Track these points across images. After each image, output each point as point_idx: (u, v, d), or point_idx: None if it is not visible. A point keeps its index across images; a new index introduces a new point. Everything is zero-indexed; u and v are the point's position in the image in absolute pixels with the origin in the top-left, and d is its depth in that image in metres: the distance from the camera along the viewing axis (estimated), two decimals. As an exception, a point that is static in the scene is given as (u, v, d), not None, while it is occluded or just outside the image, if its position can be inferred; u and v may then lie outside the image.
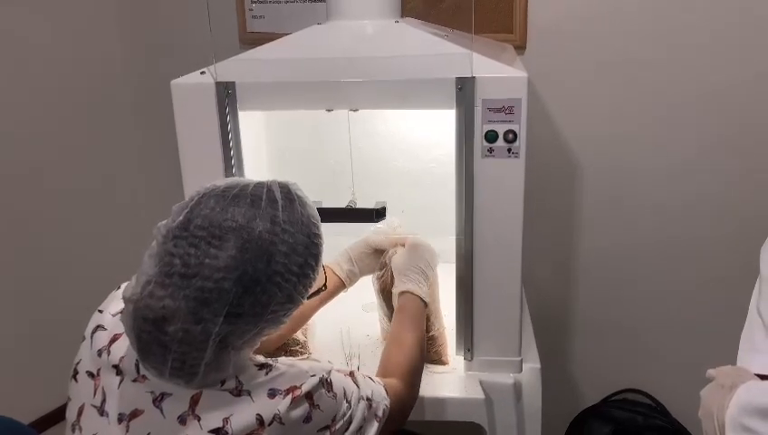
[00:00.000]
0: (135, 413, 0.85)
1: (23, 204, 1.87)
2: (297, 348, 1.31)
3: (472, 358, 1.29)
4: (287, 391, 0.85)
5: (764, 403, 0.78)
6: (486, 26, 1.78)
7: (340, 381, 0.92)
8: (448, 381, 1.27)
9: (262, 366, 0.87)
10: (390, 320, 1.34)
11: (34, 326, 1.92)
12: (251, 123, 1.35)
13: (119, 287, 0.97)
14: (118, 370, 0.87)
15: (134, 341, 0.81)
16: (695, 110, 1.79)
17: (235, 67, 1.23)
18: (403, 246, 1.32)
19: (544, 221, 1.92)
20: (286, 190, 0.89)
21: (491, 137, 1.15)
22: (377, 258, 1.34)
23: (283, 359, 0.91)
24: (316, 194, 1.29)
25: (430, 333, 1.29)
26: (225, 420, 0.82)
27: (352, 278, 1.34)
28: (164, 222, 0.85)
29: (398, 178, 1.55)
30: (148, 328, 0.79)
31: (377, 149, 1.53)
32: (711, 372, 0.89)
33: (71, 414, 0.91)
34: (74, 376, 0.92)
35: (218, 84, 1.20)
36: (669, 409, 1.97)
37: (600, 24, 1.78)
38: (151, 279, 0.80)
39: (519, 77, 1.14)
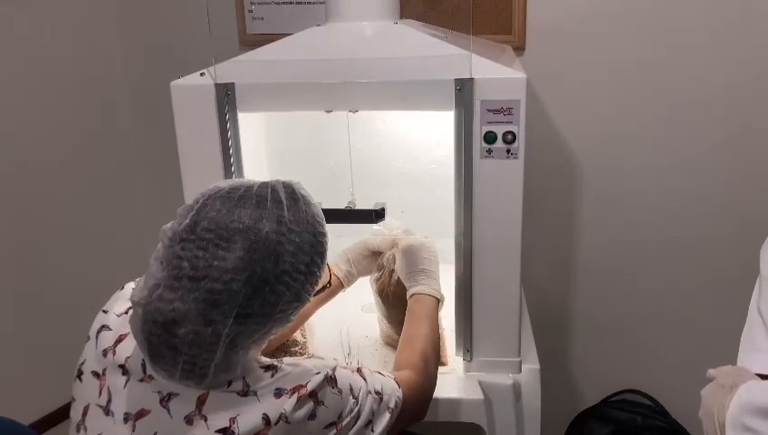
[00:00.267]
0: (141, 413, 0.85)
1: (22, 204, 1.87)
2: (296, 349, 1.31)
3: (471, 359, 1.29)
4: (293, 391, 0.85)
5: (765, 403, 0.78)
6: (485, 27, 1.78)
7: (345, 377, 0.92)
8: (448, 382, 1.27)
9: (268, 368, 0.87)
10: (389, 322, 1.35)
11: (35, 327, 1.92)
12: (250, 124, 1.35)
13: (122, 288, 0.97)
14: (124, 369, 0.87)
15: (144, 344, 0.82)
16: (694, 110, 1.79)
17: (235, 68, 1.23)
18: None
19: (544, 222, 1.93)
20: (290, 190, 0.89)
21: (490, 138, 1.15)
22: (375, 260, 1.35)
23: (287, 359, 0.91)
24: (316, 195, 1.28)
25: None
26: (232, 419, 0.82)
27: (350, 279, 1.35)
28: (169, 225, 0.85)
29: (397, 179, 1.55)
30: (158, 331, 0.80)
31: (376, 151, 1.53)
32: (711, 371, 0.89)
33: (75, 414, 0.91)
34: (79, 376, 0.92)
35: (218, 86, 1.20)
36: (669, 409, 1.97)
37: (600, 25, 1.78)
38: (160, 283, 0.80)
39: (518, 78, 1.14)
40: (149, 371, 0.85)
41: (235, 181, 0.89)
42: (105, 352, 0.89)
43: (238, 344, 0.83)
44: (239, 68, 1.24)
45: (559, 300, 2.03)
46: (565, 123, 1.88)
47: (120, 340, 0.89)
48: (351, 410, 0.90)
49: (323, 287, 1.04)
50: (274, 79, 1.22)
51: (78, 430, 0.90)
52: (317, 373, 0.88)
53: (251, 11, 1.93)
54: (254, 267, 0.81)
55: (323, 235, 0.91)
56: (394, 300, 1.31)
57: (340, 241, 1.37)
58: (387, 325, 1.37)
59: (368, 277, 1.37)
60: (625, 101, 1.82)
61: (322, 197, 1.28)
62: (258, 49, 1.29)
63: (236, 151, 1.25)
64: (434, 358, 1.16)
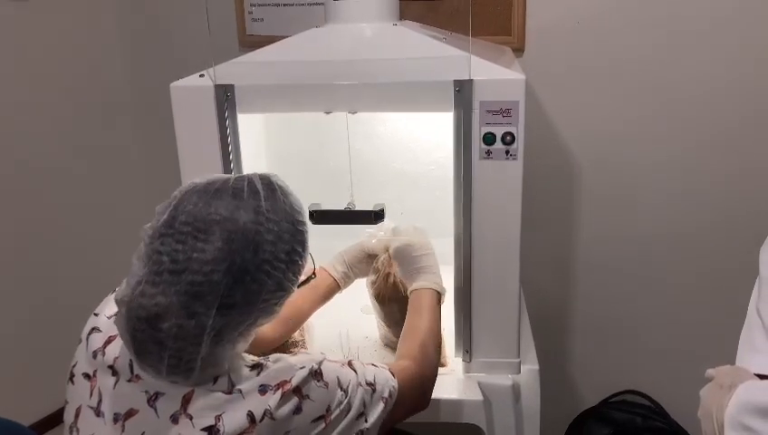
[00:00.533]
0: (130, 413, 0.85)
1: (22, 205, 1.87)
2: (296, 350, 1.31)
3: (470, 360, 1.29)
4: (277, 387, 0.85)
5: (764, 402, 0.79)
6: (485, 29, 1.79)
7: (332, 370, 0.92)
8: (447, 383, 1.27)
9: (253, 367, 0.87)
10: (387, 324, 1.35)
11: (35, 328, 1.92)
12: (250, 126, 1.35)
13: (113, 291, 0.98)
14: (113, 370, 0.88)
15: (129, 341, 0.82)
16: (694, 111, 1.79)
17: (235, 70, 1.23)
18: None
19: (543, 222, 1.93)
20: (267, 181, 0.90)
21: (489, 139, 1.15)
22: (371, 263, 1.35)
23: (273, 356, 0.91)
24: (315, 196, 1.30)
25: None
26: (218, 417, 0.82)
27: (347, 281, 1.35)
28: (149, 224, 0.86)
29: (396, 180, 1.55)
30: (142, 327, 0.80)
31: (375, 152, 1.53)
32: (710, 371, 0.89)
33: (68, 416, 0.92)
34: (71, 378, 0.93)
35: (217, 87, 1.21)
36: (668, 410, 1.97)
37: (599, 26, 1.78)
38: (142, 279, 0.81)
39: (517, 79, 1.14)
40: (137, 370, 0.86)
41: (212, 176, 0.90)
42: (95, 354, 0.90)
43: (225, 338, 0.83)
44: (239, 69, 1.24)
45: (558, 301, 2.03)
46: (564, 124, 1.88)
47: (109, 341, 0.90)
48: (341, 403, 0.90)
49: (308, 278, 1.05)
50: (274, 80, 1.22)
51: (71, 432, 0.90)
52: (301, 368, 0.88)
53: (251, 12, 1.94)
54: (233, 257, 0.81)
55: (303, 223, 0.91)
56: (390, 303, 1.31)
57: (336, 243, 1.37)
58: (385, 328, 1.37)
59: (365, 279, 1.37)
60: (624, 102, 1.82)
61: (322, 198, 1.29)
62: (258, 50, 1.29)
63: (236, 153, 1.25)
64: (433, 348, 1.15)
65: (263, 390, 0.85)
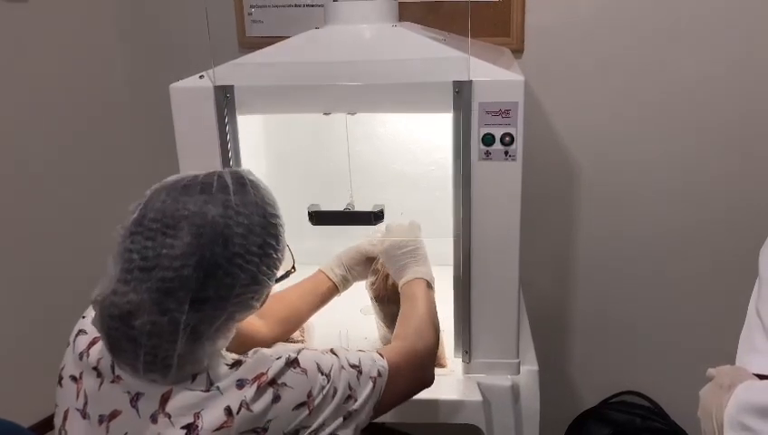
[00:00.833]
0: (114, 414, 0.85)
1: (21, 205, 1.87)
2: (296, 351, 1.31)
3: (470, 360, 1.29)
4: (254, 379, 0.85)
5: (763, 402, 0.79)
6: (484, 30, 1.79)
7: (311, 357, 0.91)
8: (446, 384, 1.27)
9: (233, 365, 0.87)
10: (387, 326, 1.35)
11: (35, 329, 1.92)
12: (250, 127, 1.35)
13: None
14: (97, 372, 0.88)
15: (105, 340, 0.83)
16: (693, 111, 1.79)
17: (234, 71, 1.23)
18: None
19: (542, 223, 1.93)
20: (237, 176, 0.90)
21: (488, 140, 1.15)
22: (369, 266, 1.36)
23: (252, 350, 0.91)
24: (314, 197, 1.30)
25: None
26: (197, 415, 0.82)
27: (345, 284, 1.35)
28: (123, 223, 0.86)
29: (396, 181, 1.55)
30: (115, 325, 0.81)
31: (375, 153, 1.53)
32: (710, 371, 0.89)
33: (57, 419, 0.92)
34: (59, 381, 0.93)
35: (217, 88, 1.21)
36: (668, 411, 1.97)
37: (598, 27, 1.78)
38: (114, 278, 0.82)
39: (516, 80, 1.14)
40: (118, 371, 0.86)
41: (182, 174, 0.90)
42: (81, 356, 0.90)
43: (203, 334, 0.83)
44: (238, 70, 1.24)
45: (557, 301, 2.03)
46: (564, 124, 1.88)
47: (93, 342, 0.90)
48: (323, 388, 0.89)
49: (287, 273, 1.04)
50: (274, 81, 1.22)
51: None
52: (278, 359, 0.88)
53: (250, 14, 1.94)
54: (202, 252, 0.82)
55: (275, 217, 0.91)
56: (390, 304, 1.31)
57: (334, 245, 1.38)
58: (384, 328, 1.37)
59: (364, 281, 1.38)
60: (623, 103, 1.83)
61: (321, 198, 1.29)
62: (257, 51, 1.29)
63: (236, 154, 1.25)
64: (428, 326, 1.14)
65: (240, 384, 0.85)
